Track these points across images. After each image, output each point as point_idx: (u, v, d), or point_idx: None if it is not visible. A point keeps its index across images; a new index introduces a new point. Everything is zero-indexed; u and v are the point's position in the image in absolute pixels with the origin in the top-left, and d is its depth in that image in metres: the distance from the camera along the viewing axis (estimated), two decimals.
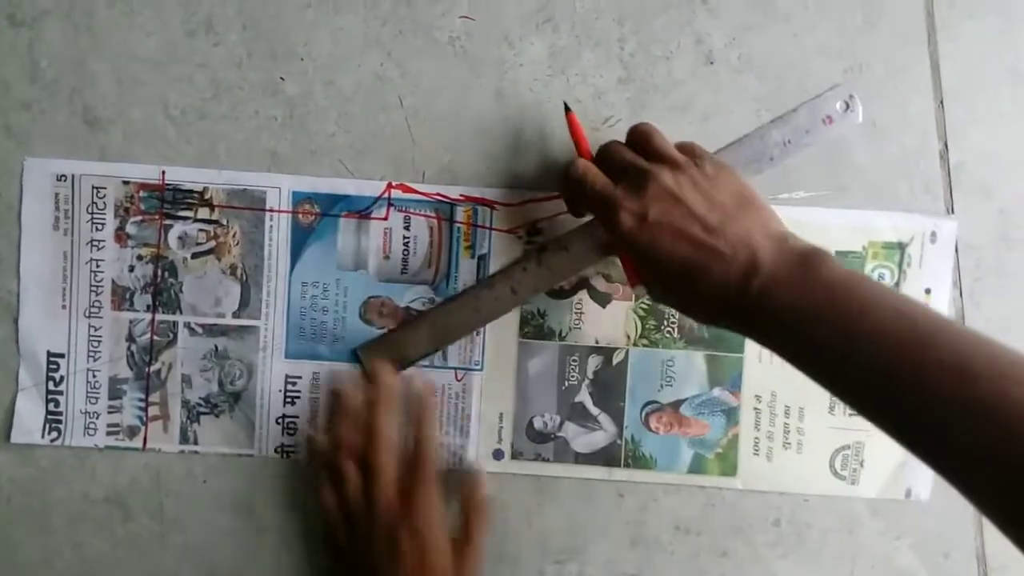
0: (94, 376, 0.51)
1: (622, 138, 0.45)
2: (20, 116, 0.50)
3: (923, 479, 0.50)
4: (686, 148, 0.43)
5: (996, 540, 0.49)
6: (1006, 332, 0.49)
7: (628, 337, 0.50)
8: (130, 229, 0.50)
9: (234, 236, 0.50)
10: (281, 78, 0.50)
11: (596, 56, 0.50)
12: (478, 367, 0.51)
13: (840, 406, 0.50)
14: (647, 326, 0.50)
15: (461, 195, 0.50)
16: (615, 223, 0.40)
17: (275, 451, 0.51)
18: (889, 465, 0.50)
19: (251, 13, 0.50)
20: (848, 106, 0.49)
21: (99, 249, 0.50)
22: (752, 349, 0.50)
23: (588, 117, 0.49)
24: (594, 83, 0.50)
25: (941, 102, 0.50)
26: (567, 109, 0.48)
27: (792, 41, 0.50)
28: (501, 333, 0.50)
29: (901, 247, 0.50)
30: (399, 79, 0.50)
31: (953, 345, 0.33)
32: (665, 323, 0.50)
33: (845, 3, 0.50)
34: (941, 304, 0.50)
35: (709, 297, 0.39)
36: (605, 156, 0.44)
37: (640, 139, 0.44)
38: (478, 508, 0.48)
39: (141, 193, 0.50)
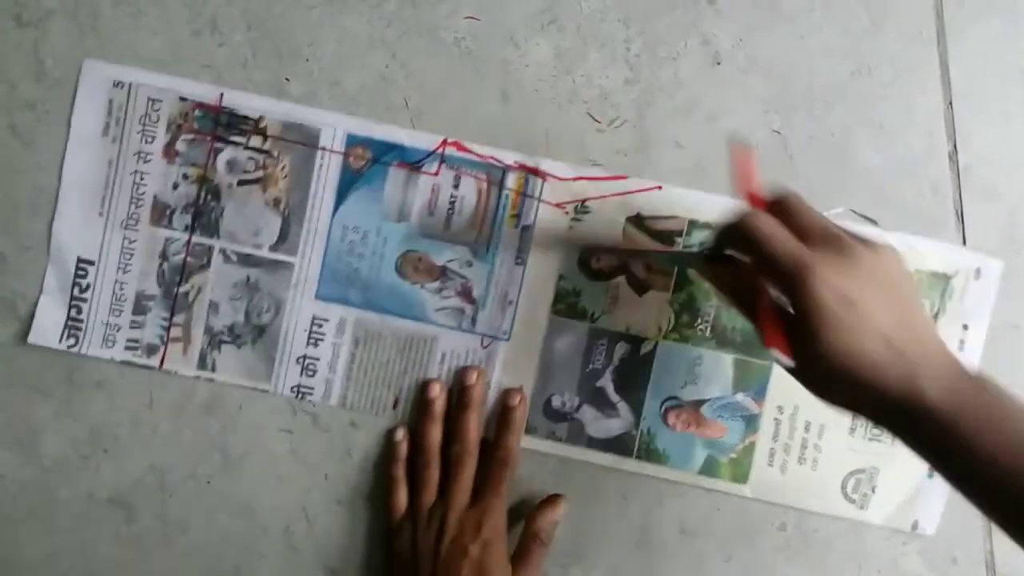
0: (121, 288, 0.50)
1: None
2: (25, 116, 0.50)
3: (931, 514, 0.50)
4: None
5: (1005, 547, 0.49)
6: (1015, 333, 0.50)
7: (659, 329, 0.50)
8: (180, 147, 0.50)
9: (283, 169, 0.50)
10: (286, 79, 0.50)
11: (602, 57, 0.50)
12: (505, 336, 0.50)
13: (861, 429, 0.50)
14: (681, 321, 0.50)
15: (515, 162, 0.50)
16: (804, 290, 0.36)
17: (291, 390, 0.50)
18: (900, 494, 0.50)
19: (256, 13, 0.50)
20: (979, 274, 0.49)
21: (146, 162, 0.50)
22: None
23: (594, 118, 0.49)
24: (600, 84, 0.50)
25: (950, 103, 0.50)
26: (739, 147, 0.42)
27: (799, 42, 0.50)
28: (534, 305, 0.50)
29: (946, 279, 0.49)
30: (404, 80, 0.50)
31: None
32: (699, 320, 0.50)
33: (852, 4, 0.50)
34: (977, 341, 0.50)
35: (881, 401, 0.36)
36: (788, 211, 0.39)
37: (804, 215, 0.39)
38: (541, 536, 0.48)
39: (196, 112, 0.49)
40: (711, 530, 0.51)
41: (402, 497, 0.49)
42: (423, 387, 0.50)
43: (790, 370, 0.39)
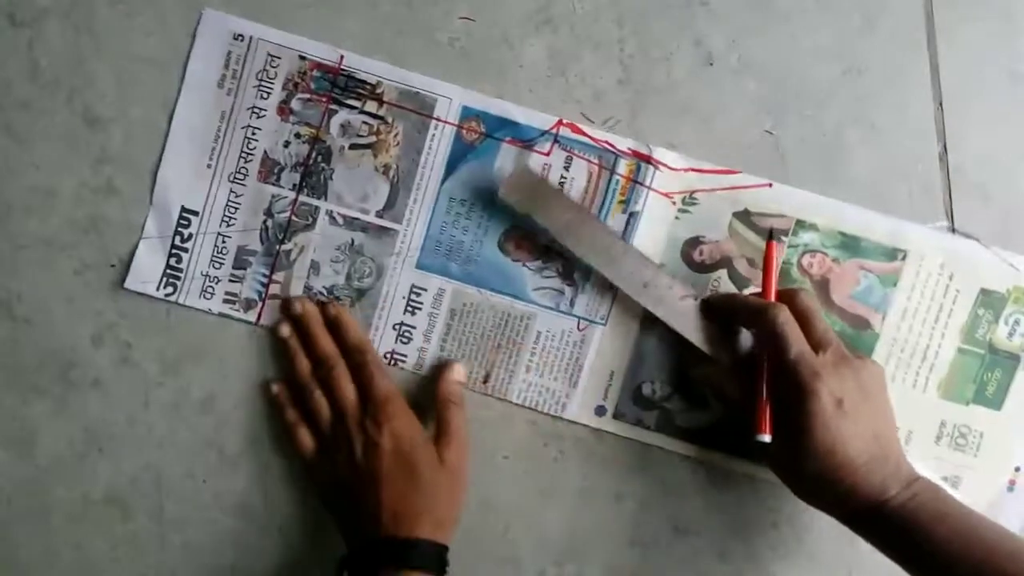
0: (223, 241, 0.50)
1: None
2: (19, 115, 0.50)
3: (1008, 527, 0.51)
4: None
5: None
6: None
7: None
8: (295, 105, 0.50)
9: (395, 136, 0.50)
10: None
11: (596, 57, 0.50)
12: (602, 321, 0.51)
13: (947, 437, 0.51)
14: None
15: (629, 148, 0.50)
16: (810, 394, 0.42)
17: (385, 356, 0.51)
18: (982, 502, 0.51)
19: (249, 16, 0.49)
20: None
21: (259, 117, 0.50)
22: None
23: (588, 118, 0.50)
24: (593, 84, 0.50)
25: (940, 104, 0.50)
26: (770, 238, 0.48)
27: (791, 43, 0.50)
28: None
29: None
30: None
31: None
32: None
33: (844, 5, 0.50)
34: None
35: (854, 502, 0.43)
36: (801, 312, 0.45)
37: (815, 320, 0.45)
38: (450, 399, 0.49)
39: (314, 72, 0.49)
40: (704, 527, 0.52)
41: (306, 436, 0.49)
42: (284, 304, 0.50)
43: (773, 467, 0.46)
